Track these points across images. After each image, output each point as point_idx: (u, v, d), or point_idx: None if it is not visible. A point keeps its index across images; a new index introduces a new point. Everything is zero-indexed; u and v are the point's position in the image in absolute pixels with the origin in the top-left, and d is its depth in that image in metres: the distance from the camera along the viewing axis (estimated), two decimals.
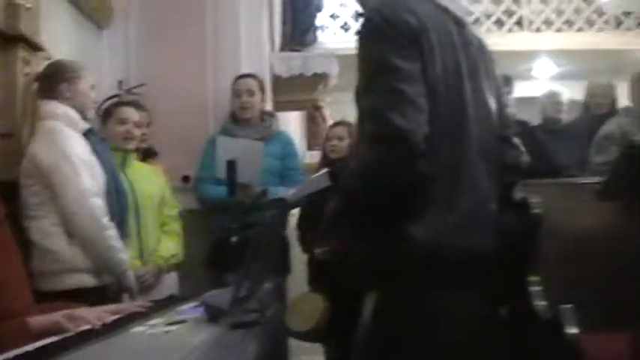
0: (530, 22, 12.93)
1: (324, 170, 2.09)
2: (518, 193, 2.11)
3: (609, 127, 4.03)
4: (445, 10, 1.93)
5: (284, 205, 2.15)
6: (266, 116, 4.52)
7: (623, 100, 4.60)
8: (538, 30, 12.85)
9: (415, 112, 1.68)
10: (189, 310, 2.35)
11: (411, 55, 1.74)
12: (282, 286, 4.19)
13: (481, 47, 2.03)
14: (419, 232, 1.76)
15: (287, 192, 2.42)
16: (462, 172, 1.82)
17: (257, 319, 2.08)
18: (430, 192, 1.76)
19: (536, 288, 2.12)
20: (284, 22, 5.81)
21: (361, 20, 1.88)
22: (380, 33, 1.76)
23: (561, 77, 11.85)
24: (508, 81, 4.47)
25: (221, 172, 3.73)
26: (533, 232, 2.04)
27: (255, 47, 5.23)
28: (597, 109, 4.76)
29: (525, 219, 2.05)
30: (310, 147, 7.79)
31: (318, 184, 2.08)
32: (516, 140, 2.11)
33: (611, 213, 1.55)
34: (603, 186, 1.59)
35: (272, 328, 2.49)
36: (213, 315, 1.97)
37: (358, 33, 1.84)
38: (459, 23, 1.97)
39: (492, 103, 1.98)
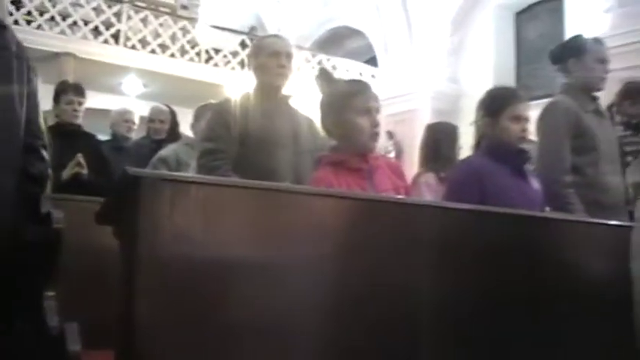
0: (127, 39, 13.04)
1: None
2: (44, 207, 2.08)
3: (166, 151, 4.22)
4: None
5: None
6: None
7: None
8: (133, 47, 13.01)
9: None
10: None
11: None
12: None
13: (19, 53, 1.97)
14: None
15: None
16: None
17: None
18: None
19: (51, 302, 2.10)
20: None
21: None
22: None
23: (148, 97, 12.07)
24: (79, 90, 4.40)
25: None
26: (54, 246, 2.03)
27: None
28: (156, 134, 4.96)
29: (47, 233, 2.03)
30: None
31: None
32: (44, 152, 2.08)
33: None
34: (100, 209, 1.65)
35: None
36: None
37: None
38: None
39: (21, 111, 1.93)
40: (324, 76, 2.68)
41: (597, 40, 3.65)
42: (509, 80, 11.95)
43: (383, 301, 1.80)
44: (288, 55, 3.32)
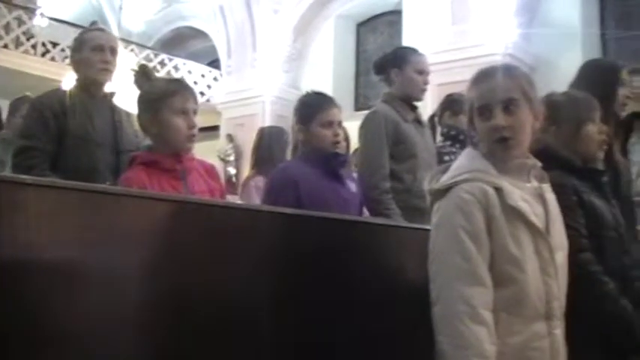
0: None
1: None
2: None
3: None
4: None
5: None
6: None
7: None
8: None
9: None
10: None
11: None
12: None
13: None
14: None
15: None
16: None
17: None
18: None
19: None
20: None
21: None
22: None
23: None
24: None
25: None
26: None
27: None
28: None
29: None
30: None
31: None
32: None
33: None
34: None
35: None
36: None
37: None
38: None
39: None
40: (143, 72, 2.65)
41: (418, 52, 3.78)
42: (348, 89, 12.34)
43: (200, 305, 1.80)
44: (113, 50, 3.23)
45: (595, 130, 2.58)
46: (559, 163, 2.42)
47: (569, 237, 2.13)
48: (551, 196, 2.11)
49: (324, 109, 3.07)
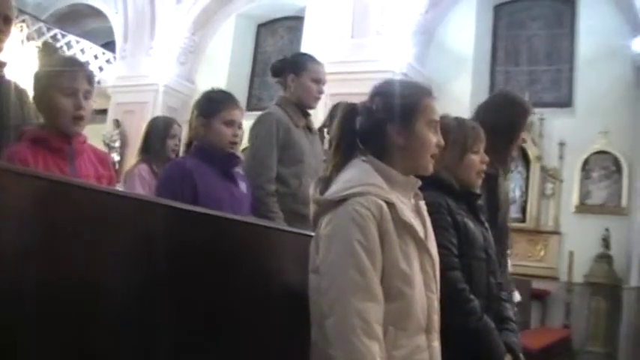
0: None
1: None
2: None
3: None
4: None
5: None
6: None
7: None
8: None
9: None
10: None
11: None
12: None
13: None
14: None
15: None
16: None
17: None
18: None
19: None
20: None
21: None
22: None
23: None
24: None
25: None
26: None
27: None
28: None
29: None
30: None
31: None
32: None
33: None
34: None
35: None
36: None
37: None
38: None
39: None
40: (46, 49, 2.57)
41: (317, 61, 3.84)
42: (242, 88, 12.28)
43: (69, 292, 1.73)
44: (7, 19, 2.99)
45: (477, 159, 2.68)
46: (437, 184, 2.49)
47: (440, 255, 2.19)
48: (426, 213, 2.17)
49: (228, 107, 3.08)
